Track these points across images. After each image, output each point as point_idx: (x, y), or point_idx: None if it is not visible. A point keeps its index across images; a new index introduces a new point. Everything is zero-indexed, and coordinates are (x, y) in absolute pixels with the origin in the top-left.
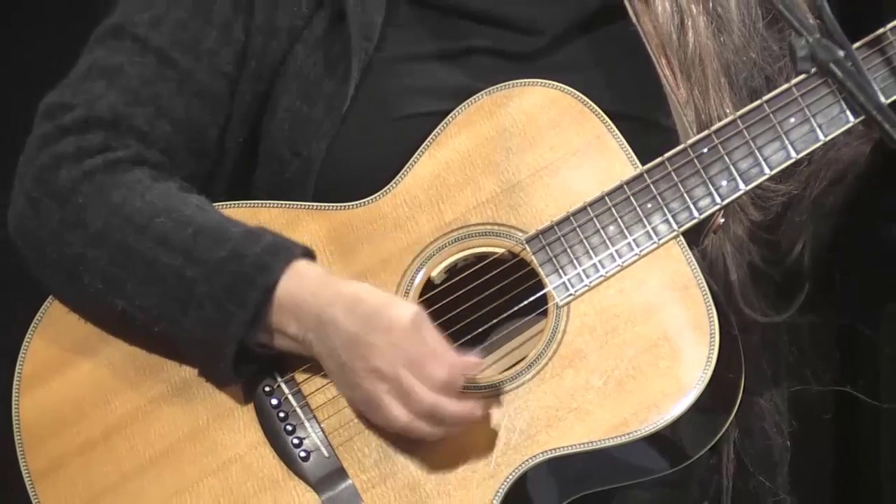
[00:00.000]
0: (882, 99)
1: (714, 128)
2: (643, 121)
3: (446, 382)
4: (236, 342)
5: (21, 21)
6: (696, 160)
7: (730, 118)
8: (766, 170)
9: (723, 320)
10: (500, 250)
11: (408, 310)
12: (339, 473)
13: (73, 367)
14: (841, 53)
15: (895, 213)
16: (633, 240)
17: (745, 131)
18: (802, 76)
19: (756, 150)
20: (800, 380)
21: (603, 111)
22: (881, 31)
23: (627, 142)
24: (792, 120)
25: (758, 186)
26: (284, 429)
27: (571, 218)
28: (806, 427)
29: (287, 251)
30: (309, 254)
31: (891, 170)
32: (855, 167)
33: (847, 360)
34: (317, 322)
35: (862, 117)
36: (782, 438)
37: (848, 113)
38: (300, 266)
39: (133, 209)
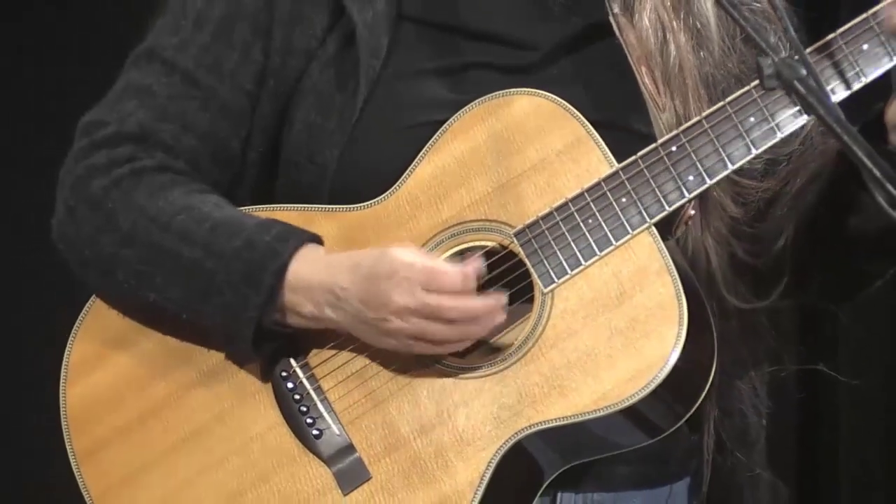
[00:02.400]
0: (839, 110)
1: (682, 128)
2: (625, 128)
3: (462, 285)
4: (254, 323)
5: (66, 52)
6: (665, 158)
7: (696, 119)
8: (729, 165)
9: (695, 304)
10: (492, 243)
11: (399, 249)
12: (349, 449)
13: (112, 359)
14: (803, 71)
15: (865, 206)
16: (610, 231)
17: (709, 130)
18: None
19: (720, 148)
20: (777, 362)
21: (589, 120)
22: (830, 36)
23: (610, 148)
24: (752, 119)
25: (737, 184)
26: (299, 410)
27: (554, 213)
28: (778, 404)
29: (295, 237)
30: (316, 240)
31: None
32: (830, 165)
33: (820, 343)
34: (332, 297)
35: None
36: (759, 418)
37: (803, 110)
38: (307, 250)
39: (156, 210)
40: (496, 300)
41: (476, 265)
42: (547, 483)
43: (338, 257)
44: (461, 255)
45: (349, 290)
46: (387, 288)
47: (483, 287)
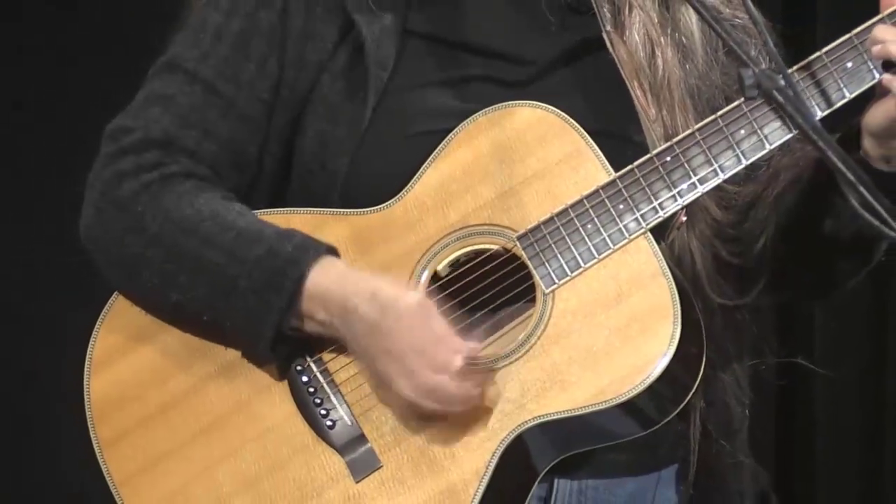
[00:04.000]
0: (817, 118)
1: (676, 139)
2: (618, 137)
3: (447, 365)
4: (274, 326)
5: (91, 62)
6: (660, 167)
7: (689, 131)
8: (721, 174)
9: (685, 303)
10: (496, 247)
11: (416, 300)
12: (360, 439)
13: (134, 353)
14: (782, 82)
15: (840, 209)
16: (608, 236)
17: (702, 142)
18: None
19: (711, 158)
20: (759, 355)
21: (586, 129)
22: (812, 56)
23: (605, 154)
24: (742, 132)
25: (720, 189)
26: (313, 402)
27: (555, 218)
28: (758, 394)
29: (315, 248)
30: (333, 251)
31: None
32: (808, 171)
33: (798, 338)
34: (341, 309)
35: None
36: (741, 409)
37: (790, 124)
38: (325, 261)
39: (183, 215)
40: (469, 390)
41: (473, 346)
42: (545, 471)
43: (355, 275)
44: (458, 261)
45: (359, 311)
46: (388, 327)
47: (486, 289)
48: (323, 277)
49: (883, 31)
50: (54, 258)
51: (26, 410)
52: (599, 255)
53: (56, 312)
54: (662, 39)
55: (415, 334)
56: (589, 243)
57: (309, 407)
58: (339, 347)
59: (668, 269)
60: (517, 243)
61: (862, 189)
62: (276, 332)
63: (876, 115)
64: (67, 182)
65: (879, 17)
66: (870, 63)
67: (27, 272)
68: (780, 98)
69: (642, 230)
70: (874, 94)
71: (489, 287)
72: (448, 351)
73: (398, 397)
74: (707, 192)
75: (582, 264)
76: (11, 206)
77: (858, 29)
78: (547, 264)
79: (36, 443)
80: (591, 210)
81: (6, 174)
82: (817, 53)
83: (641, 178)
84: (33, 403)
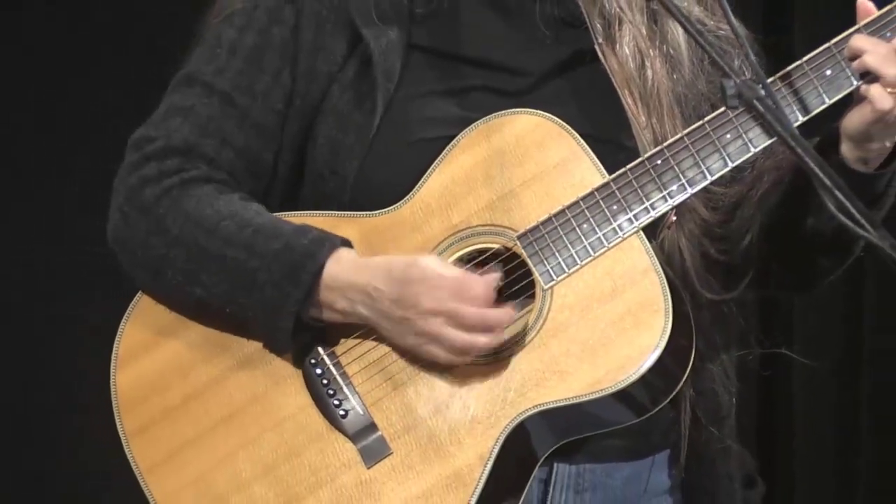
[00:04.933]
0: (794, 126)
1: (666, 143)
2: (611, 142)
3: (485, 295)
4: (294, 316)
5: (116, 77)
6: (651, 170)
7: (678, 136)
8: (708, 176)
9: (675, 298)
10: (497, 246)
11: (429, 259)
12: (371, 427)
13: (158, 347)
14: (762, 92)
15: (819, 209)
16: (603, 235)
17: (690, 146)
18: None
19: (699, 161)
20: (745, 346)
21: (580, 135)
22: (794, 65)
23: (599, 158)
24: (728, 136)
25: (708, 191)
26: (327, 392)
27: (553, 218)
28: (743, 383)
29: (330, 241)
30: (347, 244)
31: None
32: (790, 173)
33: (780, 329)
34: (364, 295)
35: None
36: (729, 396)
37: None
38: (340, 253)
39: (203, 216)
40: (508, 314)
41: (495, 276)
42: (546, 456)
43: (369, 261)
44: (467, 259)
45: (383, 290)
46: (418, 291)
47: None
48: (338, 268)
49: (860, 41)
50: (83, 260)
51: (54, 404)
52: (595, 252)
53: (83, 311)
54: (651, 51)
55: (443, 284)
56: (585, 242)
57: (323, 398)
58: (351, 341)
59: (659, 266)
60: (517, 242)
61: (837, 192)
62: (296, 321)
63: (853, 120)
64: (107, 183)
65: (856, 27)
66: (848, 70)
67: (56, 273)
68: (760, 107)
69: (635, 229)
70: (852, 100)
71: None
72: (479, 283)
73: (451, 347)
74: (695, 193)
75: (578, 262)
76: (44, 208)
77: (837, 38)
78: (545, 262)
79: (63, 434)
80: (586, 210)
81: (43, 170)
82: (798, 62)
83: (634, 181)
84: (62, 397)
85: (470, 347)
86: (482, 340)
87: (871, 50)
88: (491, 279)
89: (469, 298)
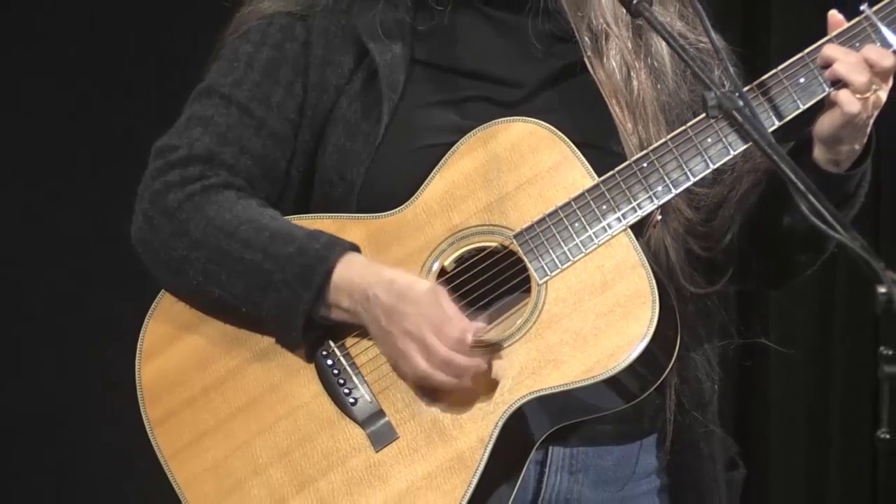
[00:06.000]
0: (770, 134)
1: (651, 147)
2: (600, 148)
3: (459, 340)
4: (305, 315)
5: (140, 91)
6: (638, 172)
7: (662, 140)
8: (691, 177)
9: (661, 291)
10: (495, 244)
11: (428, 286)
12: (379, 414)
13: (179, 342)
14: (741, 103)
15: (796, 208)
16: (593, 233)
17: (674, 149)
18: None
19: (683, 164)
20: (726, 337)
21: (572, 141)
22: (770, 73)
23: (590, 163)
24: (709, 140)
25: (691, 191)
26: (337, 382)
27: (547, 218)
28: (726, 371)
29: (340, 246)
30: (355, 248)
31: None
32: (767, 175)
33: (759, 321)
34: (364, 298)
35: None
36: (711, 384)
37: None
38: (350, 257)
39: (223, 220)
40: (477, 363)
41: (480, 325)
42: (542, 440)
43: (376, 268)
44: (462, 258)
45: (380, 298)
46: (407, 311)
47: (487, 281)
48: (347, 271)
49: (831, 50)
50: (110, 261)
51: (81, 395)
52: (586, 249)
53: (109, 308)
54: (637, 63)
55: (430, 315)
56: (577, 239)
57: (334, 387)
58: (360, 335)
59: (646, 262)
60: (514, 241)
61: (810, 196)
62: (307, 319)
63: (824, 124)
64: (133, 188)
65: (828, 37)
66: (820, 78)
67: (87, 274)
68: (738, 117)
69: (623, 227)
70: (824, 105)
71: (490, 280)
72: (459, 328)
73: (414, 373)
74: (679, 194)
75: (571, 258)
76: (76, 210)
77: (810, 48)
78: (540, 259)
79: (91, 423)
80: (577, 210)
81: (72, 175)
82: (774, 70)
83: (622, 182)
84: (89, 389)
85: (428, 379)
86: (440, 377)
87: (842, 59)
88: (473, 327)
89: (445, 337)
